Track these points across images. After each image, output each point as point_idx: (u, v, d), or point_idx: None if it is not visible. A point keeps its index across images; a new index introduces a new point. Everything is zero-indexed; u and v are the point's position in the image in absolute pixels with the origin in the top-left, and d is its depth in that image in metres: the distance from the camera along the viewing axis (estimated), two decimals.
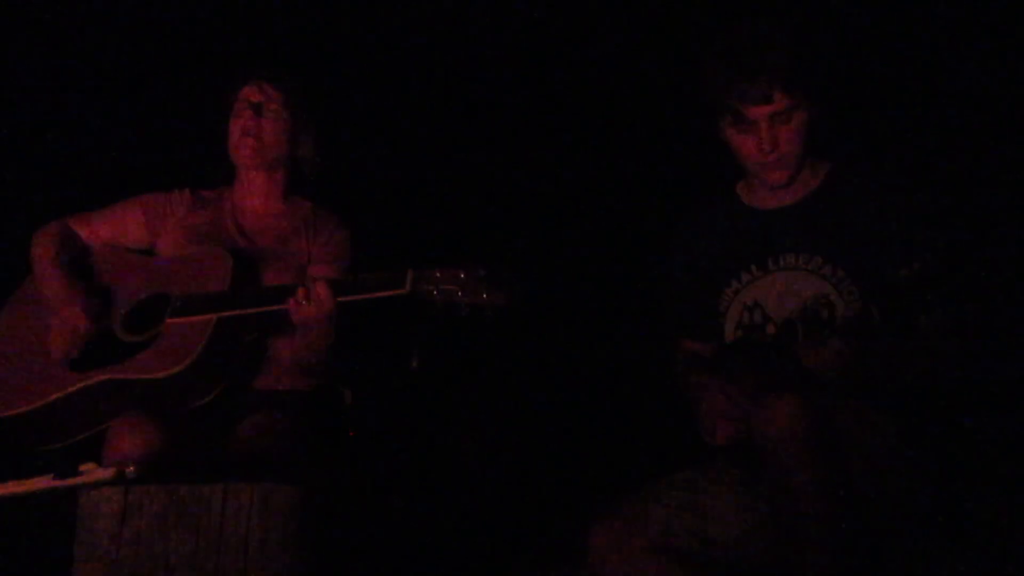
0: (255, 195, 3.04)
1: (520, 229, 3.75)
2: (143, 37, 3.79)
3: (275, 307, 2.64)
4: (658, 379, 2.88)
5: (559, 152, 3.82)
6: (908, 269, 2.21)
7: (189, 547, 2.18)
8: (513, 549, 3.32)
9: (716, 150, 2.63)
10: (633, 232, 3.65)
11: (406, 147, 3.85)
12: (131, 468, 2.21)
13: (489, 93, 3.85)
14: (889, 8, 3.36)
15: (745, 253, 2.66)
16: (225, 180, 3.08)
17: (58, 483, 2.23)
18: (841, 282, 2.54)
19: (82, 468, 2.25)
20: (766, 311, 2.61)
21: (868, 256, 2.51)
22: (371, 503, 2.86)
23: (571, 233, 3.80)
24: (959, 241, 2.25)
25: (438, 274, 2.48)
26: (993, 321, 2.34)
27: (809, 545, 2.19)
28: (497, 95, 3.85)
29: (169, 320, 2.72)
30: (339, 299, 2.58)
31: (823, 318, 2.45)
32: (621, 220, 3.74)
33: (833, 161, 2.65)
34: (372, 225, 3.13)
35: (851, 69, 3.21)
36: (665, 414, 2.95)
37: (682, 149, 3.03)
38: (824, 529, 2.18)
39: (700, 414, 2.52)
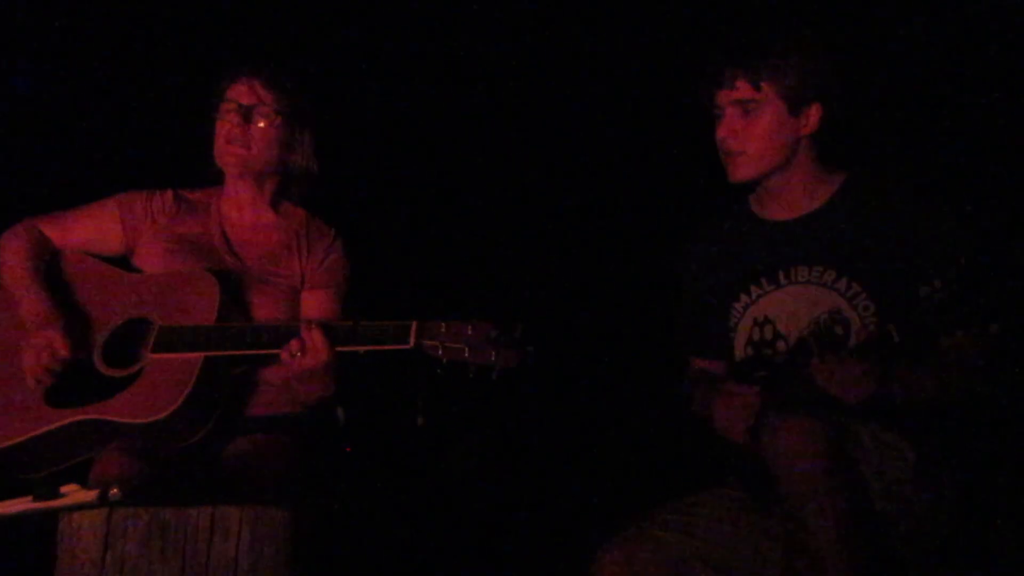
0: (243, 205, 2.84)
1: (522, 243, 3.70)
2: (124, 24, 3.61)
3: (267, 351, 2.51)
4: (667, 401, 2.83)
5: (561, 164, 3.78)
6: (930, 287, 2.16)
7: (175, 572, 2.12)
8: (515, 575, 3.26)
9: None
10: (641, 245, 3.61)
11: (402, 156, 3.77)
12: (114, 490, 2.13)
13: (502, 113, 3.79)
14: (906, 16, 3.32)
15: (755, 266, 2.61)
16: (212, 180, 2.88)
17: (38, 505, 2.16)
18: (855, 296, 2.49)
19: (63, 490, 2.18)
20: (777, 327, 2.56)
21: (884, 270, 2.45)
22: (366, 525, 2.79)
23: (573, 242, 3.76)
24: (982, 258, 2.16)
25: (443, 328, 2.36)
26: (1017, 342, 2.25)
27: (824, 573, 2.12)
28: (509, 116, 3.79)
29: (152, 355, 2.56)
30: (337, 348, 2.45)
31: (837, 335, 2.41)
32: (629, 231, 3.70)
33: (847, 171, 2.60)
34: (369, 240, 3.00)
35: (866, 77, 3.15)
36: (673, 437, 2.90)
37: (693, 158, 2.96)
38: (840, 557, 2.12)
39: (714, 418, 2.46)
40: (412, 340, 2.37)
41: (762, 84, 2.47)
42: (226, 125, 2.75)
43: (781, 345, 2.53)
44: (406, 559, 3.11)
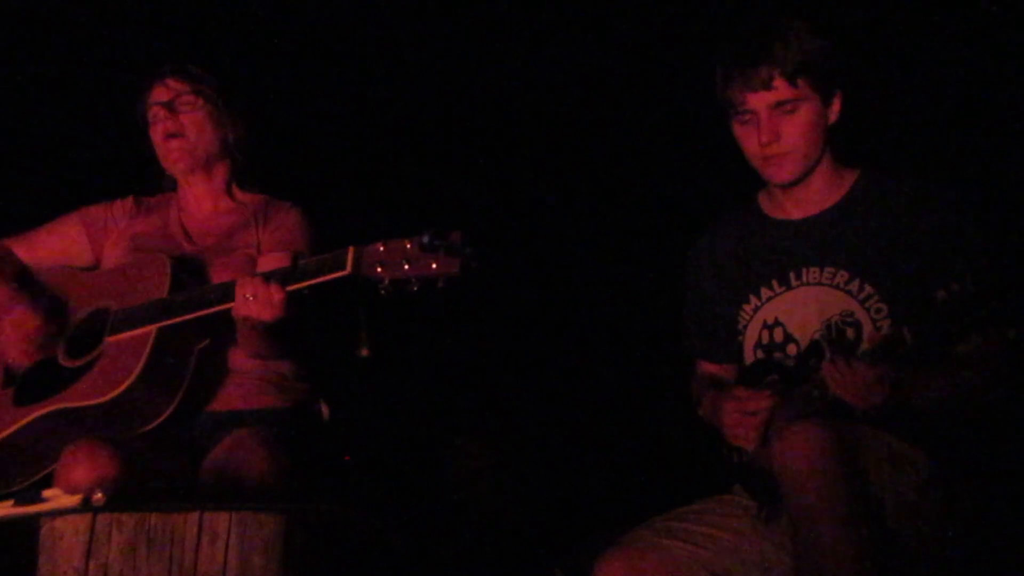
0: (200, 197, 2.92)
1: (535, 241, 3.66)
2: (81, 39, 3.69)
3: (218, 308, 2.50)
4: (672, 406, 2.82)
5: (570, 162, 3.74)
6: (947, 291, 2.11)
7: None
8: None
9: (737, 158, 2.53)
10: (650, 245, 3.57)
11: (387, 140, 3.77)
12: (99, 495, 2.08)
13: (496, 91, 3.77)
14: (923, 8, 3.25)
15: (766, 267, 2.56)
16: (170, 186, 3.00)
17: (19, 510, 2.12)
18: (868, 299, 2.43)
19: (45, 494, 2.13)
20: (787, 330, 2.51)
21: (898, 272, 2.40)
22: (360, 530, 2.73)
23: (589, 254, 3.73)
24: (1000, 260, 2.10)
25: (381, 248, 2.31)
26: None
27: None
28: (505, 94, 3.76)
29: (108, 338, 2.60)
30: (286, 288, 2.42)
31: (849, 339, 2.37)
32: (638, 230, 3.67)
33: (860, 168, 2.54)
34: (336, 214, 3.01)
35: (880, 69, 3.08)
36: (678, 443, 2.85)
37: (702, 156, 2.92)
38: (849, 569, 2.07)
39: (723, 426, 2.42)
40: (349, 265, 2.33)
41: (798, 80, 2.39)
42: (158, 126, 2.85)
43: (792, 348, 2.48)
44: (402, 565, 3.06)
